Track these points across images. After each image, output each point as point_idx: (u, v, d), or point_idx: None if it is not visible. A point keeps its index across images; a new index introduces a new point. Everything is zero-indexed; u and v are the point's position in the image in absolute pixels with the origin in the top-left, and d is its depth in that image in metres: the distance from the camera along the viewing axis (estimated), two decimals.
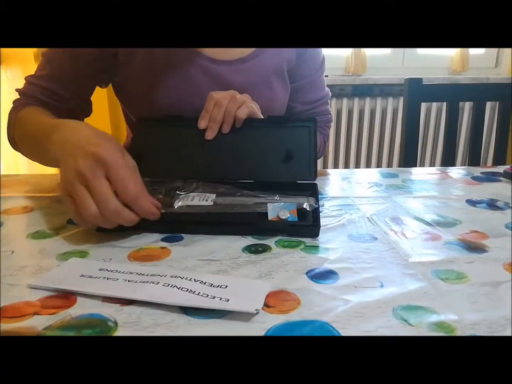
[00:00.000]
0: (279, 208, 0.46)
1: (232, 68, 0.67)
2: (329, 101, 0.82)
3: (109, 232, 0.43)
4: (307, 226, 0.44)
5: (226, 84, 0.64)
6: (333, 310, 0.30)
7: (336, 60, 1.88)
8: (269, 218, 0.45)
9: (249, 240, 0.42)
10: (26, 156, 0.62)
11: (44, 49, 0.64)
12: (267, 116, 0.59)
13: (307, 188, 0.52)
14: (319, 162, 1.79)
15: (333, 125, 1.78)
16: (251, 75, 0.68)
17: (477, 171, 0.72)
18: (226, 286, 0.32)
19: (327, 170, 0.71)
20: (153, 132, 0.58)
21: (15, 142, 0.63)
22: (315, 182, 0.53)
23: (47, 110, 0.62)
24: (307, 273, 0.35)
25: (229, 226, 0.44)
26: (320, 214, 0.50)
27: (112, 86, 0.72)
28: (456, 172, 0.72)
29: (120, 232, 0.43)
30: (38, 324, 0.28)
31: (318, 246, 0.41)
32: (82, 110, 0.68)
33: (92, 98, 0.69)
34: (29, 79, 0.64)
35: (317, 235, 0.43)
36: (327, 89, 0.81)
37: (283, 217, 0.45)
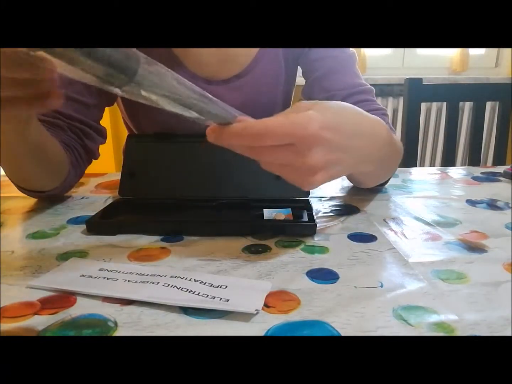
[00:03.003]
0: (274, 212, 0.46)
1: (229, 86, 0.65)
2: (373, 95, 0.67)
3: (107, 233, 0.43)
4: (303, 223, 0.45)
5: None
6: (333, 310, 0.30)
7: None
8: (265, 218, 0.46)
9: (249, 240, 0.42)
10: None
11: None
12: None
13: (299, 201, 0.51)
14: None
15: None
16: (249, 90, 0.67)
17: (477, 171, 0.72)
18: (226, 286, 0.32)
19: None
20: (144, 149, 0.57)
21: None
22: (307, 198, 0.52)
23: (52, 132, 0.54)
24: (307, 273, 0.35)
25: (225, 225, 0.44)
26: (320, 214, 0.50)
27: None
28: (456, 172, 0.72)
29: (117, 234, 0.43)
30: (38, 324, 0.28)
31: (318, 246, 0.41)
32: (97, 133, 0.61)
33: None
34: None
35: (314, 232, 0.43)
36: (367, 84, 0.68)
37: (279, 219, 0.46)
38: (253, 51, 0.65)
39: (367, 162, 0.41)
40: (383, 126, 0.44)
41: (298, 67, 0.72)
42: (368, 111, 0.43)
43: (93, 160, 0.62)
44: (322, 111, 0.35)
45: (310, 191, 0.52)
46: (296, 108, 0.36)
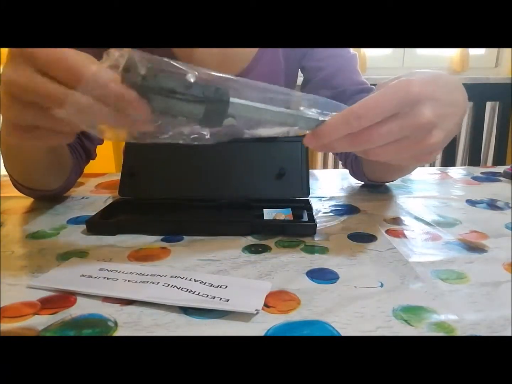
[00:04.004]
0: (274, 212, 0.46)
1: None
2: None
3: (107, 233, 0.43)
4: (303, 223, 0.45)
5: None
6: (333, 310, 0.30)
7: None
8: (265, 218, 0.46)
9: (249, 240, 0.42)
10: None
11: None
12: None
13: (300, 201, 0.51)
14: (319, 161, 1.79)
15: None
16: None
17: (477, 171, 0.72)
18: (226, 286, 0.32)
19: (327, 170, 0.71)
20: (144, 149, 0.56)
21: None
22: (307, 198, 0.52)
23: None
24: (307, 273, 0.35)
25: (225, 225, 0.44)
26: (320, 214, 0.50)
27: None
28: (456, 172, 0.72)
29: (117, 234, 0.43)
30: (38, 324, 0.28)
31: (318, 246, 0.41)
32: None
33: None
34: None
35: (314, 232, 0.43)
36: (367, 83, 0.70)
37: (279, 219, 0.46)
38: (253, 51, 0.65)
39: (461, 122, 0.39)
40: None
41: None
42: None
43: (91, 160, 0.62)
44: (413, 75, 0.34)
45: (310, 191, 0.52)
46: (380, 85, 0.35)
